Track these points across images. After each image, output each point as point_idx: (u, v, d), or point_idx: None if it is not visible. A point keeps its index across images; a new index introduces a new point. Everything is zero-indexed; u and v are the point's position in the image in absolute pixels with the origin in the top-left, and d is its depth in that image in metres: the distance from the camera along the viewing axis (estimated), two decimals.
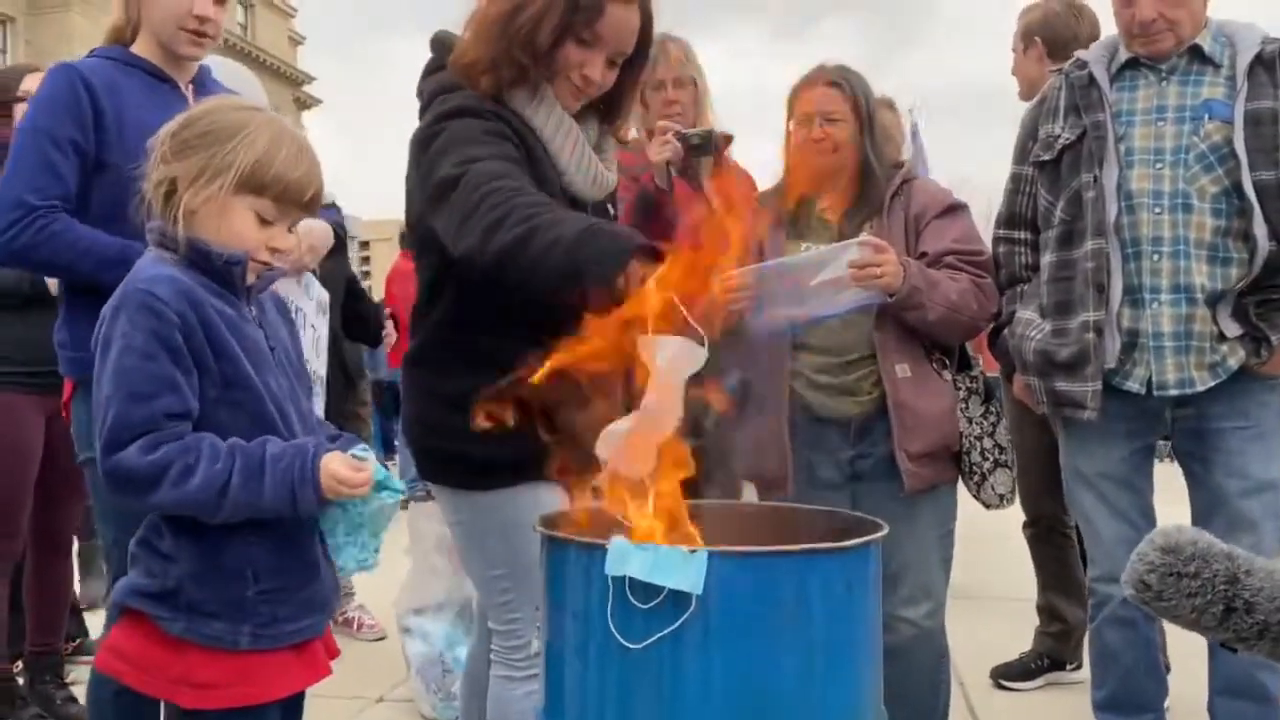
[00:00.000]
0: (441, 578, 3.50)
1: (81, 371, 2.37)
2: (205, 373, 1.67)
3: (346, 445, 1.86)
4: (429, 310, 2.13)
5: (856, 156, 2.79)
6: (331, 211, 2.90)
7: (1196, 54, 2.60)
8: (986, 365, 2.99)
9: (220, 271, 1.72)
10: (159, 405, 1.60)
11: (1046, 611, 3.80)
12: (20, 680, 3.61)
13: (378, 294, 9.86)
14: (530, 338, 2.01)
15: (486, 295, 2.02)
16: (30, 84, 3.42)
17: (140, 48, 2.48)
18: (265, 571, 1.68)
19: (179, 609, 1.66)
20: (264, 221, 1.72)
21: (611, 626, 1.44)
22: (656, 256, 1.76)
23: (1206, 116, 2.55)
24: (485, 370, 2.00)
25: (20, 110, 3.34)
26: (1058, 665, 3.75)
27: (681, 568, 1.38)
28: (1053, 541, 3.75)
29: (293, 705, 1.85)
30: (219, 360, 1.68)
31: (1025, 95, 3.77)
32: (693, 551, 1.40)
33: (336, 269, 4.47)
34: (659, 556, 1.40)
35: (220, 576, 1.67)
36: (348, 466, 1.71)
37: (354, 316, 4.66)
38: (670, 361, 1.62)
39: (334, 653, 1.87)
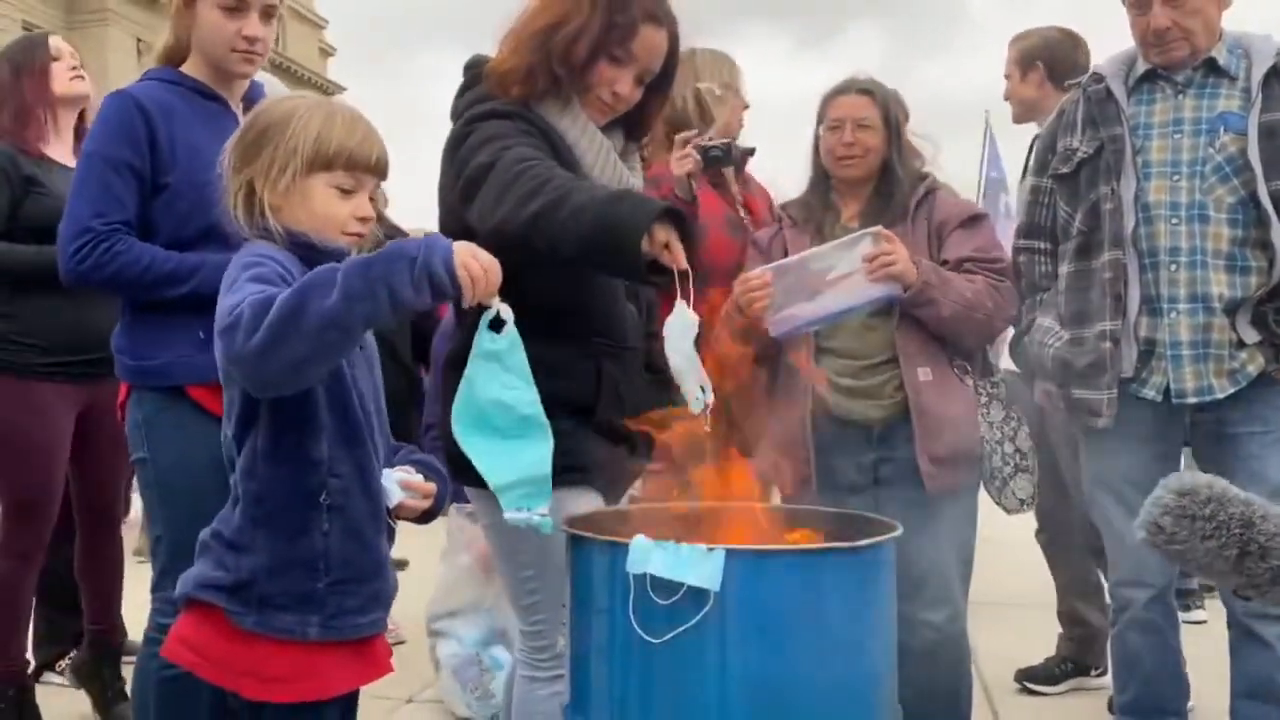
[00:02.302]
0: (473, 580, 3.55)
1: (137, 378, 2.44)
2: None
3: (406, 457, 1.90)
4: (465, 314, 2.19)
5: (883, 164, 2.84)
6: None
7: (1212, 67, 2.63)
8: None
9: (323, 264, 1.73)
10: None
11: (1068, 617, 3.81)
12: (65, 677, 3.64)
13: None
14: (572, 340, 2.10)
15: (524, 295, 2.09)
16: (60, 41, 3.39)
17: (191, 68, 2.54)
18: (336, 563, 1.70)
19: (250, 603, 1.68)
20: (344, 194, 1.77)
21: (633, 622, 1.49)
22: (683, 222, 1.84)
23: (1222, 129, 2.58)
24: None
25: (57, 72, 3.33)
26: (1082, 670, 3.76)
27: (700, 565, 1.44)
28: (1064, 545, 3.76)
29: (352, 701, 1.89)
30: None
31: (1021, 118, 3.86)
32: (710, 550, 1.45)
33: None
34: (678, 554, 1.45)
35: (292, 568, 1.68)
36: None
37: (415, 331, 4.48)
38: (669, 324, 1.84)
39: (389, 651, 1.89)
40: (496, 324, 1.66)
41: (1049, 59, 3.73)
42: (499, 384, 1.64)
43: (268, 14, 2.51)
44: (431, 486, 1.83)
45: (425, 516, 1.85)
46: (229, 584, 1.69)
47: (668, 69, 2.22)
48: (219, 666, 1.70)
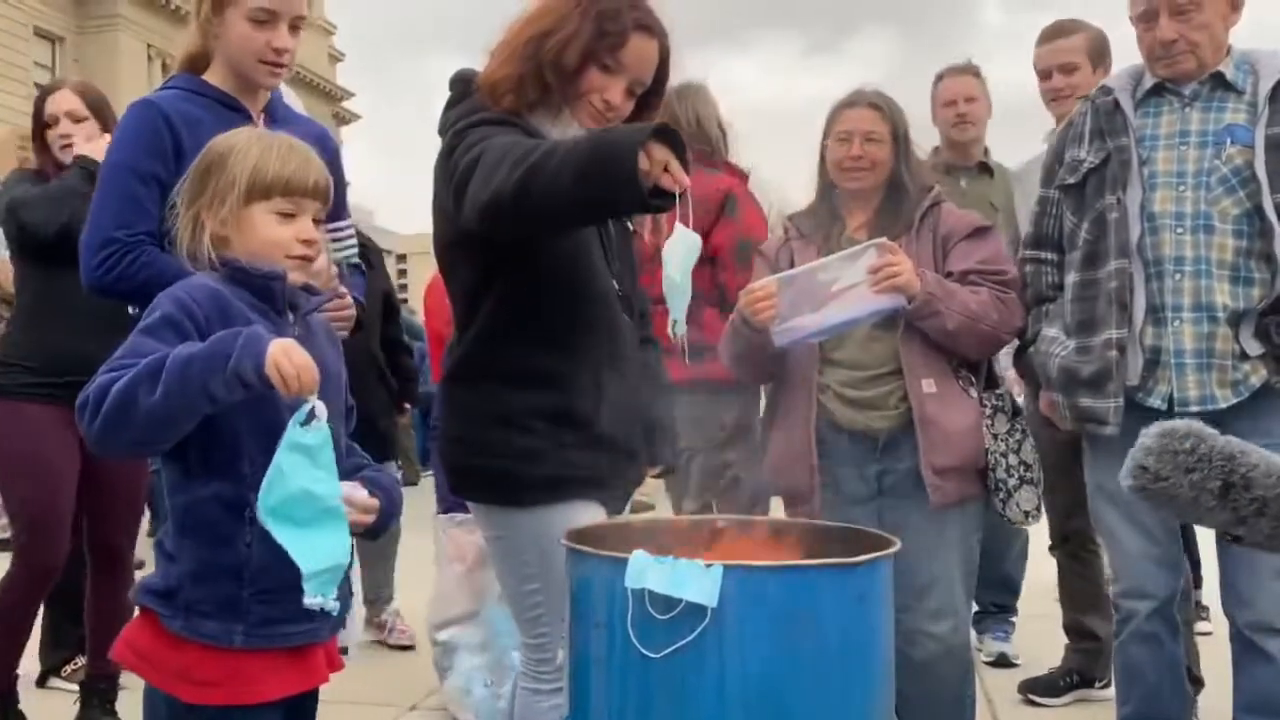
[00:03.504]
0: (467, 587, 3.54)
1: None
2: None
3: (355, 468, 1.94)
4: (467, 327, 2.19)
5: (891, 177, 2.85)
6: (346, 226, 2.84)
7: (1219, 81, 2.65)
8: None
9: (260, 287, 1.82)
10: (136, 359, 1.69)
11: (1075, 630, 3.79)
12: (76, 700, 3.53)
13: (415, 305, 9.99)
14: (572, 351, 2.11)
15: (528, 305, 2.11)
16: (57, 105, 3.40)
17: (214, 76, 2.52)
18: (259, 573, 1.75)
19: (178, 607, 1.75)
20: (286, 218, 1.84)
21: (632, 636, 1.50)
22: (674, 139, 1.83)
23: (1229, 141, 2.59)
24: (525, 386, 2.09)
25: (53, 135, 3.38)
26: (1087, 682, 3.73)
27: (697, 581, 1.44)
28: (1082, 559, 3.74)
29: (303, 711, 1.92)
30: None
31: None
32: (708, 565, 1.46)
33: (371, 283, 4.49)
34: (676, 570, 1.46)
35: (215, 576, 1.75)
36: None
37: (390, 347, 4.53)
38: (670, 245, 1.85)
39: (336, 664, 1.93)
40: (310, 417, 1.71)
41: (1109, 55, 3.60)
42: (309, 476, 1.70)
43: (296, 26, 2.50)
44: (373, 502, 1.86)
45: (370, 532, 1.88)
46: (162, 590, 1.77)
47: (659, 82, 2.22)
48: (156, 669, 1.78)
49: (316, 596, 1.71)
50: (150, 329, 1.73)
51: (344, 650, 1.96)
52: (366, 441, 2.12)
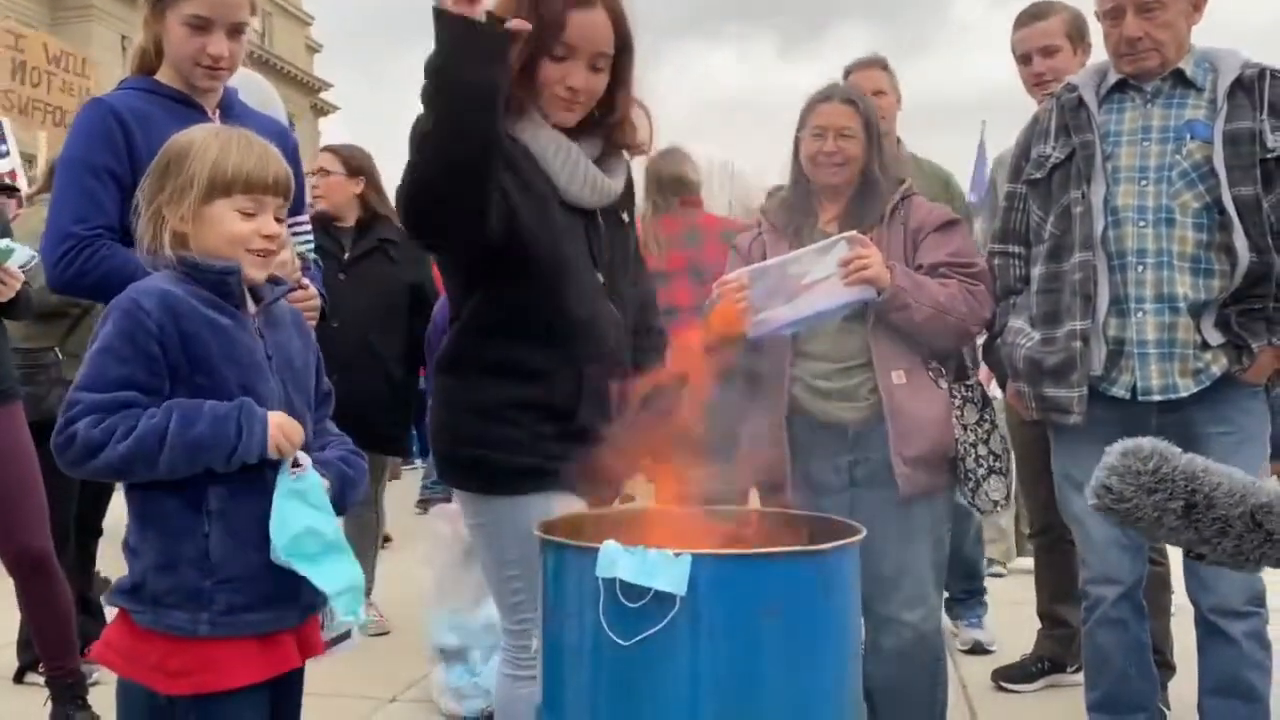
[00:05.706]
0: (464, 574, 3.54)
1: None
2: (180, 382, 1.81)
3: (337, 448, 2.01)
4: (458, 316, 2.22)
5: (864, 172, 2.89)
6: (305, 220, 2.86)
7: (1180, 78, 2.70)
8: None
9: (216, 283, 1.85)
10: (118, 399, 1.76)
11: (1049, 617, 3.83)
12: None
13: None
14: (554, 345, 2.14)
15: (510, 299, 2.13)
16: None
17: (165, 75, 2.55)
18: (220, 562, 1.80)
19: (146, 601, 1.81)
20: (247, 215, 1.87)
21: (603, 624, 1.53)
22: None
23: (1189, 136, 2.65)
24: (509, 378, 2.12)
25: None
26: (1059, 668, 3.78)
27: (666, 570, 1.48)
28: (1060, 550, 3.77)
29: (287, 696, 1.97)
30: (195, 372, 1.82)
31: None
32: (677, 554, 1.49)
33: (393, 274, 4.38)
34: (646, 559, 1.49)
35: (178, 568, 1.80)
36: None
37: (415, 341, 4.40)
38: None
39: (311, 649, 1.97)
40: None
41: (1089, 34, 3.51)
42: (309, 516, 1.84)
43: (235, 31, 2.51)
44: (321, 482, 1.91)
45: None
46: (129, 586, 1.83)
47: (623, 46, 2.18)
48: (130, 663, 1.83)
49: (348, 616, 1.87)
50: (108, 349, 1.77)
51: (347, 635, 2.00)
52: (355, 433, 2.15)
